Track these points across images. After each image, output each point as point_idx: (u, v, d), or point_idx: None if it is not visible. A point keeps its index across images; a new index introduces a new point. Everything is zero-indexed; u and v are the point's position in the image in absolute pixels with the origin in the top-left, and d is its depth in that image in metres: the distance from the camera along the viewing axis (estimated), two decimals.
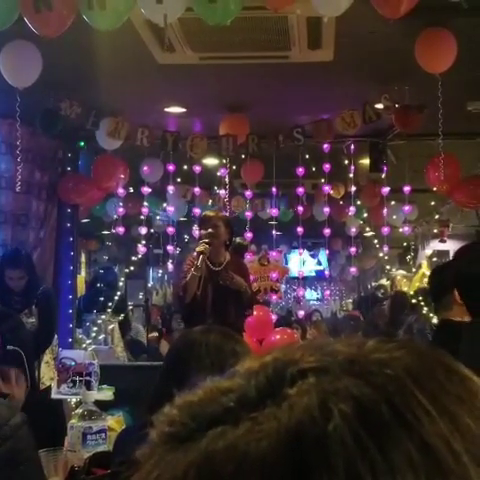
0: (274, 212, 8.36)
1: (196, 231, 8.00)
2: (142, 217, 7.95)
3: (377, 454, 0.43)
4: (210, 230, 5.52)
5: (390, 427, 0.45)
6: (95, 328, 7.85)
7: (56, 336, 6.55)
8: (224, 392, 0.48)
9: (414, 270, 11.45)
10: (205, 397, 0.49)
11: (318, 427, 0.44)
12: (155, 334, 11.03)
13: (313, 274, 15.36)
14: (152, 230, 9.43)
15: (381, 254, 9.47)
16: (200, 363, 2.08)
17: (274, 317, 8.43)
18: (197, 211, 8.05)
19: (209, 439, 0.45)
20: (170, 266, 8.63)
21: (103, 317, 7.98)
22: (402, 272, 12.56)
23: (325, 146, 7.12)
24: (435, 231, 11.08)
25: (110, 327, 8.21)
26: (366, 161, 7.67)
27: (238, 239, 7.73)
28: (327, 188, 7.99)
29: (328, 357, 0.49)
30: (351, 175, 7.75)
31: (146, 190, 7.77)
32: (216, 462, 0.44)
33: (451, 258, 10.31)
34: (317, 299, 17.27)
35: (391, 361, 0.48)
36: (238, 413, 0.46)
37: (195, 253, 5.57)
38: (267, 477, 0.43)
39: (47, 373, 6.10)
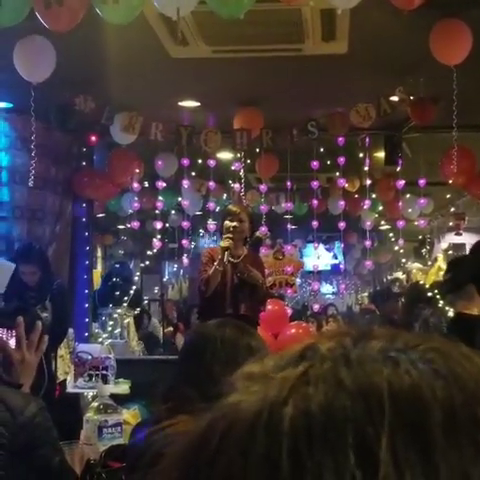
0: (289, 206, 8.35)
1: (211, 225, 8.03)
2: (157, 211, 7.96)
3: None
4: (235, 224, 5.49)
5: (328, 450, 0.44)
6: (111, 322, 7.88)
7: (72, 330, 6.58)
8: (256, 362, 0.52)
9: (430, 263, 11.40)
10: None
11: (264, 422, 0.46)
12: (171, 329, 11.06)
13: (328, 268, 15.32)
14: (167, 224, 9.43)
15: (396, 247, 9.44)
16: (215, 357, 2.08)
17: (289, 311, 8.41)
18: (212, 205, 8.05)
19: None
20: (185, 260, 8.64)
21: (119, 311, 8.00)
22: (418, 265, 12.50)
23: (340, 139, 7.10)
24: (451, 224, 11.03)
25: (126, 321, 8.23)
26: (381, 154, 7.65)
27: (257, 233, 7.73)
28: (342, 181, 7.96)
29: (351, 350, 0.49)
30: (366, 168, 7.72)
31: (161, 184, 7.78)
32: (216, 422, 0.49)
33: (467, 251, 10.28)
34: (332, 293, 17.24)
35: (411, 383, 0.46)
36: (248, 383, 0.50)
37: (215, 248, 5.56)
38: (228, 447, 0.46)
39: (61, 367, 6.13)
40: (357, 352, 0.48)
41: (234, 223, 5.47)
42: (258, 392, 0.48)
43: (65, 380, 5.90)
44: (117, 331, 7.97)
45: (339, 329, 0.56)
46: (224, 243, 5.43)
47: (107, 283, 8.61)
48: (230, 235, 5.42)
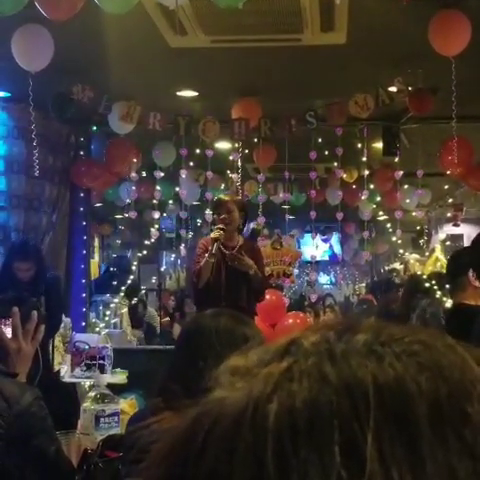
0: (287, 196, 8.34)
1: (209, 215, 8.01)
2: (155, 201, 7.95)
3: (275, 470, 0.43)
4: (225, 215, 5.50)
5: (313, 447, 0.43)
6: (108, 312, 7.88)
7: (69, 320, 6.57)
8: (242, 357, 0.52)
9: (427, 254, 11.41)
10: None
11: (248, 418, 0.45)
12: (168, 319, 11.08)
13: (326, 258, 15.33)
14: (165, 214, 9.43)
15: (394, 238, 9.44)
16: (210, 347, 2.08)
17: (287, 301, 8.42)
18: (209, 195, 8.04)
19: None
20: (183, 250, 8.63)
21: (115, 300, 8.00)
22: (415, 256, 12.52)
23: (338, 129, 7.08)
24: (449, 215, 11.04)
25: (121, 311, 8.23)
26: (379, 145, 7.63)
27: (252, 225, 7.72)
28: (340, 172, 7.95)
29: (331, 343, 0.49)
30: (364, 159, 7.71)
31: (158, 174, 7.77)
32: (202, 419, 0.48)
33: (465, 242, 10.29)
34: (330, 283, 17.26)
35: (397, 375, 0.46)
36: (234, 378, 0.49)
37: (210, 239, 5.56)
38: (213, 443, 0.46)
39: (56, 358, 6.13)
40: (341, 346, 0.48)
41: (222, 216, 5.49)
42: (243, 388, 0.47)
43: (59, 370, 5.90)
44: (114, 321, 7.97)
45: (324, 322, 0.55)
46: (214, 234, 5.46)
47: (105, 273, 8.63)
48: (221, 226, 5.44)
